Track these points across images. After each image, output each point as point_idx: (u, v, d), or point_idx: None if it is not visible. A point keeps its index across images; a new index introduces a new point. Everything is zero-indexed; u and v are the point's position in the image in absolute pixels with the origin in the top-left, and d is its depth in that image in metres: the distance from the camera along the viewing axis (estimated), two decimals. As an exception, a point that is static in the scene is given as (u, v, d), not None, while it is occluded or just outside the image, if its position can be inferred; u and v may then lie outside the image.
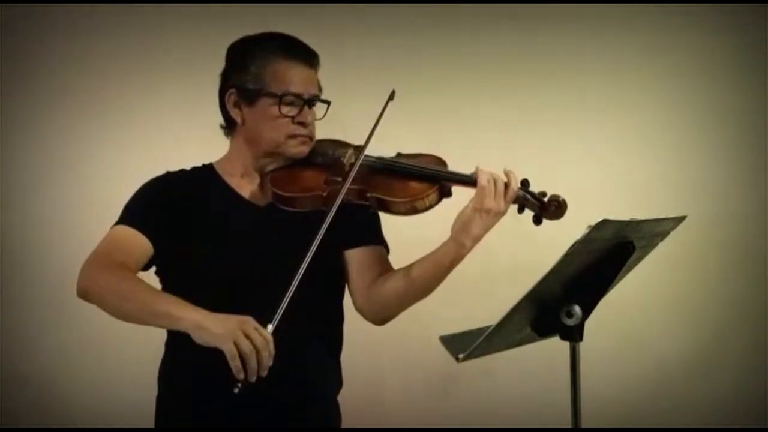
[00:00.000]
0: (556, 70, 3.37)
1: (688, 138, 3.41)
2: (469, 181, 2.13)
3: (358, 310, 2.31)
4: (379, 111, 2.20)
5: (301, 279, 1.99)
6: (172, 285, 2.24)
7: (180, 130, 3.22)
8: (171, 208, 2.22)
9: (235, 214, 2.25)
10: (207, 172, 2.31)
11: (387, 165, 2.22)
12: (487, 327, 1.88)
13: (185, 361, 2.21)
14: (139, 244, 2.18)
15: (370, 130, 2.20)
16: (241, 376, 1.91)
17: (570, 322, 1.93)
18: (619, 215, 1.84)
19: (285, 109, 2.19)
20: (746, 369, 3.39)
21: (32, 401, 3.27)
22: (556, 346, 2.00)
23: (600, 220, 1.78)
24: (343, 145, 2.29)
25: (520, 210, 2.17)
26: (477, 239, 2.13)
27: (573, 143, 3.38)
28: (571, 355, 1.96)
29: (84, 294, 2.12)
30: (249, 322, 1.94)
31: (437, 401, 3.40)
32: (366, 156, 2.19)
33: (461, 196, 2.18)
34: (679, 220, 2.03)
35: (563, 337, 1.96)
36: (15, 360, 3.27)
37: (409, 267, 2.22)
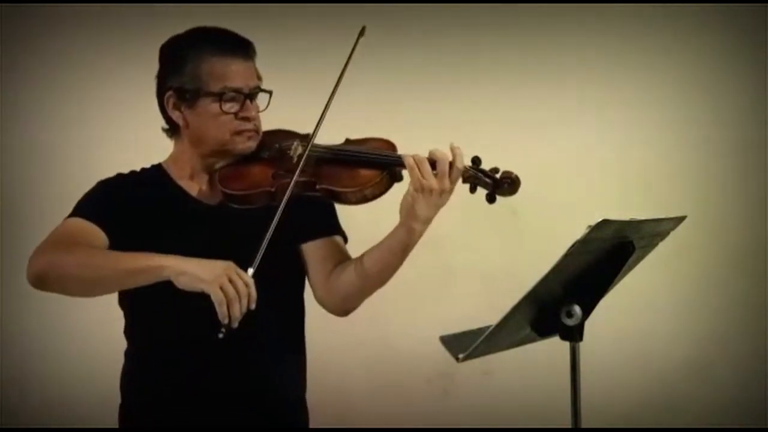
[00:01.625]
0: (556, 69, 3.37)
1: (688, 138, 3.41)
2: (400, 162, 2.10)
3: (319, 302, 2.27)
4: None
5: (260, 277, 1.97)
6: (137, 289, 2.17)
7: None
8: (123, 209, 2.16)
9: (186, 214, 2.21)
10: (157, 173, 2.27)
11: (334, 154, 2.17)
12: (487, 327, 1.88)
13: (148, 368, 2.20)
14: (95, 235, 2.12)
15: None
16: (227, 321, 1.91)
17: (570, 322, 1.93)
18: (619, 215, 1.84)
19: (226, 106, 2.14)
20: (746, 369, 3.39)
21: (32, 401, 3.27)
22: (556, 346, 1.99)
23: (600, 220, 1.78)
24: (290, 135, 2.23)
25: (472, 189, 2.13)
26: (427, 221, 2.09)
27: (573, 143, 3.39)
28: (571, 355, 1.96)
29: (41, 279, 2.06)
30: (232, 266, 1.94)
31: (437, 401, 3.40)
32: (314, 146, 2.15)
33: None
34: (679, 220, 2.03)
35: (563, 337, 1.95)
36: (15, 360, 3.27)
37: (363, 256, 2.19)
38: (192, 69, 2.15)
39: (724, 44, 3.37)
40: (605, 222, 1.79)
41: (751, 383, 3.38)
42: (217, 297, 1.91)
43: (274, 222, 2.01)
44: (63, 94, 3.31)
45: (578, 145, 3.39)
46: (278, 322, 2.23)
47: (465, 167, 2.09)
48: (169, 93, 2.18)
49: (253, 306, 1.94)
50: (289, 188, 2.07)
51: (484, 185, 2.13)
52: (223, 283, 1.91)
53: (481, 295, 3.28)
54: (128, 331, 2.26)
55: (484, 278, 3.34)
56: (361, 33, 2.19)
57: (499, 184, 2.12)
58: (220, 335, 1.92)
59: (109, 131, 3.29)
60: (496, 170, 2.13)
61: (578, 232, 1.79)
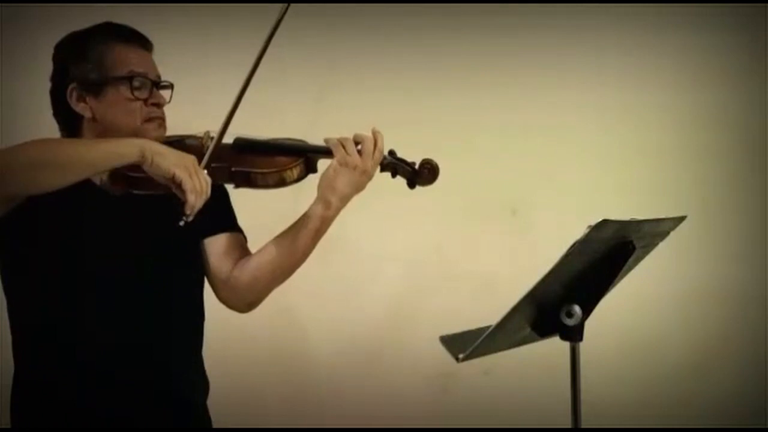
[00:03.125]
0: (555, 69, 3.37)
1: (688, 137, 3.41)
2: (325, 149, 2.13)
3: (221, 299, 2.23)
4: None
5: (158, 275, 1.98)
6: (15, 286, 2.13)
7: (180, 129, 3.22)
8: (17, 212, 2.05)
9: (87, 203, 2.10)
10: None
11: (249, 143, 2.16)
12: (487, 327, 1.88)
13: (40, 385, 2.11)
14: None
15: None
16: (189, 210, 1.91)
17: (570, 322, 1.93)
18: (619, 215, 1.84)
19: (137, 92, 2.11)
20: (746, 369, 3.39)
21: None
22: (556, 346, 2.00)
23: (600, 220, 1.78)
24: (196, 136, 2.19)
25: (393, 175, 2.17)
26: (344, 198, 2.11)
27: (573, 143, 3.39)
28: (571, 355, 1.96)
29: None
30: (195, 161, 1.96)
31: (437, 401, 3.40)
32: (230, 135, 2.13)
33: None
34: (679, 220, 2.03)
35: (563, 337, 1.96)
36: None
37: (273, 243, 2.18)
38: (96, 57, 2.11)
39: (724, 44, 3.37)
40: (605, 222, 1.79)
41: (751, 383, 3.38)
42: (189, 185, 1.91)
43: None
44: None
45: (578, 145, 3.39)
46: (178, 321, 2.19)
47: (384, 155, 2.13)
48: (72, 86, 2.11)
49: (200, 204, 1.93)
50: (208, 154, 2.01)
51: (403, 173, 2.16)
52: (192, 173, 1.92)
53: (481, 295, 3.28)
54: (17, 347, 2.15)
55: (484, 278, 3.34)
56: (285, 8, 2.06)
57: (419, 172, 2.15)
58: (181, 224, 1.92)
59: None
60: (413, 163, 2.16)
61: (578, 232, 1.79)
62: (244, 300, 2.23)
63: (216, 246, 2.22)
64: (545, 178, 3.35)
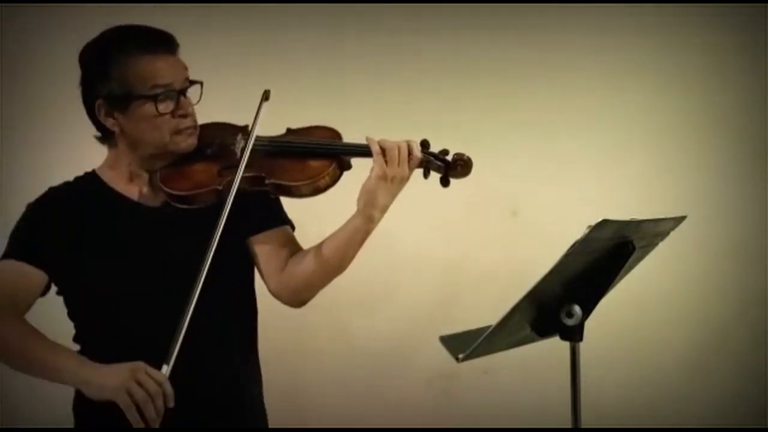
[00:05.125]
0: (555, 69, 3.37)
1: (689, 137, 3.41)
2: (365, 151, 2.08)
3: (274, 295, 2.21)
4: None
5: (210, 276, 1.93)
6: (74, 305, 2.17)
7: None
8: (59, 228, 2.10)
9: (127, 220, 2.14)
10: (91, 181, 2.19)
11: (280, 146, 2.13)
12: (487, 327, 1.88)
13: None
14: (28, 279, 2.07)
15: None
16: (141, 425, 1.84)
17: (570, 322, 1.93)
18: (619, 215, 1.84)
19: (162, 107, 2.06)
20: (746, 369, 3.39)
21: (32, 401, 3.27)
22: (556, 346, 2.00)
23: (600, 220, 1.78)
24: (230, 128, 2.17)
25: (426, 174, 2.12)
26: (385, 209, 2.08)
27: (573, 143, 3.39)
28: (571, 355, 1.96)
29: None
30: (140, 368, 1.87)
31: (437, 401, 3.40)
32: (257, 138, 2.09)
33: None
34: (679, 220, 2.03)
35: (563, 337, 1.96)
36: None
37: (321, 246, 2.16)
38: (118, 73, 2.07)
39: (724, 44, 3.37)
40: (605, 222, 1.79)
41: (751, 383, 3.38)
42: (124, 404, 1.84)
43: (220, 225, 1.96)
44: (64, 95, 3.30)
45: (578, 145, 3.39)
46: (232, 322, 2.20)
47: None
48: (99, 102, 2.09)
49: (171, 404, 1.86)
50: (234, 185, 2.01)
51: (437, 169, 2.12)
52: (130, 387, 1.84)
53: (481, 295, 3.28)
54: (79, 338, 2.20)
55: (484, 278, 3.34)
56: (265, 97, 2.12)
57: (452, 166, 2.11)
58: None
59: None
60: (446, 152, 2.12)
61: (578, 232, 1.79)
62: (296, 297, 2.21)
63: (262, 244, 2.20)
64: (545, 178, 3.34)
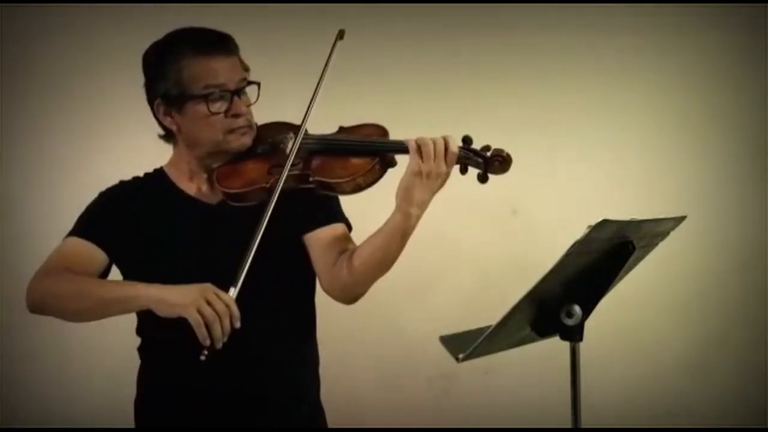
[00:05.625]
0: (556, 69, 3.37)
1: (689, 138, 3.41)
2: (403, 148, 2.08)
3: (326, 291, 2.23)
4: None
5: (268, 275, 1.99)
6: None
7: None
8: (125, 218, 2.19)
9: (187, 215, 2.21)
10: (159, 177, 2.27)
11: (326, 144, 2.15)
12: (487, 327, 1.88)
13: (160, 364, 2.22)
14: (91, 255, 2.15)
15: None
16: (207, 342, 1.90)
17: (570, 322, 1.93)
18: (619, 215, 1.84)
19: (214, 107, 2.12)
20: (746, 369, 3.39)
21: (32, 401, 3.27)
22: (556, 346, 2.00)
23: (600, 220, 1.78)
24: (285, 127, 2.21)
25: (463, 171, 2.11)
26: (423, 205, 2.07)
27: (573, 143, 3.39)
28: (571, 355, 1.96)
29: (36, 309, 2.12)
30: (209, 288, 1.94)
31: (437, 401, 3.40)
32: (306, 137, 2.13)
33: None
34: (679, 220, 2.03)
35: (563, 337, 1.96)
36: (15, 359, 3.27)
37: (364, 244, 2.17)
38: (174, 73, 2.13)
39: (723, 44, 3.37)
40: (605, 222, 1.79)
41: (751, 383, 3.38)
42: (194, 320, 1.90)
43: (264, 219, 2.01)
44: (64, 95, 3.31)
45: (578, 145, 3.39)
46: (287, 319, 2.23)
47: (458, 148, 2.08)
48: (157, 101, 2.17)
49: (237, 325, 1.92)
50: (279, 183, 2.06)
51: (476, 164, 2.10)
52: (201, 305, 1.91)
53: (481, 295, 3.28)
54: (140, 330, 2.27)
55: (485, 278, 3.34)
56: (340, 36, 2.17)
57: (491, 162, 2.09)
58: (203, 357, 1.91)
59: (111, 134, 3.28)
60: (487, 148, 2.11)
61: (578, 232, 1.79)
62: (346, 294, 2.22)
63: (315, 241, 2.22)
64: (545, 178, 3.34)
